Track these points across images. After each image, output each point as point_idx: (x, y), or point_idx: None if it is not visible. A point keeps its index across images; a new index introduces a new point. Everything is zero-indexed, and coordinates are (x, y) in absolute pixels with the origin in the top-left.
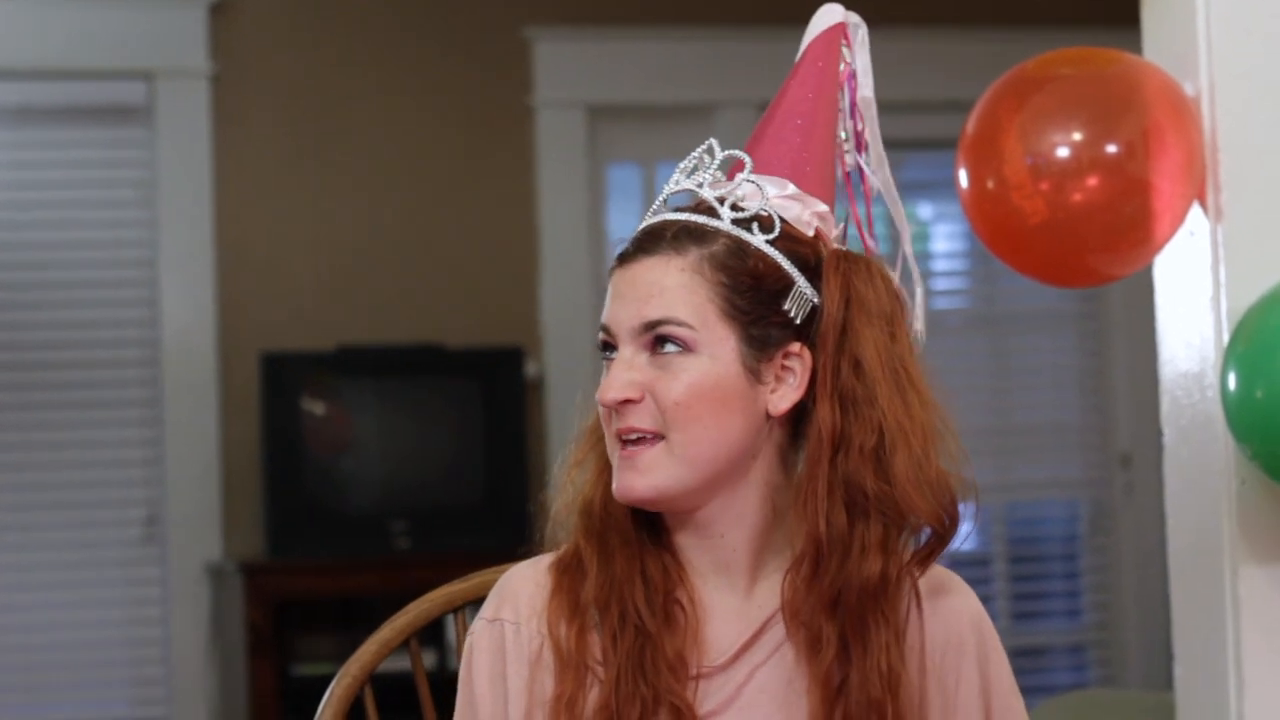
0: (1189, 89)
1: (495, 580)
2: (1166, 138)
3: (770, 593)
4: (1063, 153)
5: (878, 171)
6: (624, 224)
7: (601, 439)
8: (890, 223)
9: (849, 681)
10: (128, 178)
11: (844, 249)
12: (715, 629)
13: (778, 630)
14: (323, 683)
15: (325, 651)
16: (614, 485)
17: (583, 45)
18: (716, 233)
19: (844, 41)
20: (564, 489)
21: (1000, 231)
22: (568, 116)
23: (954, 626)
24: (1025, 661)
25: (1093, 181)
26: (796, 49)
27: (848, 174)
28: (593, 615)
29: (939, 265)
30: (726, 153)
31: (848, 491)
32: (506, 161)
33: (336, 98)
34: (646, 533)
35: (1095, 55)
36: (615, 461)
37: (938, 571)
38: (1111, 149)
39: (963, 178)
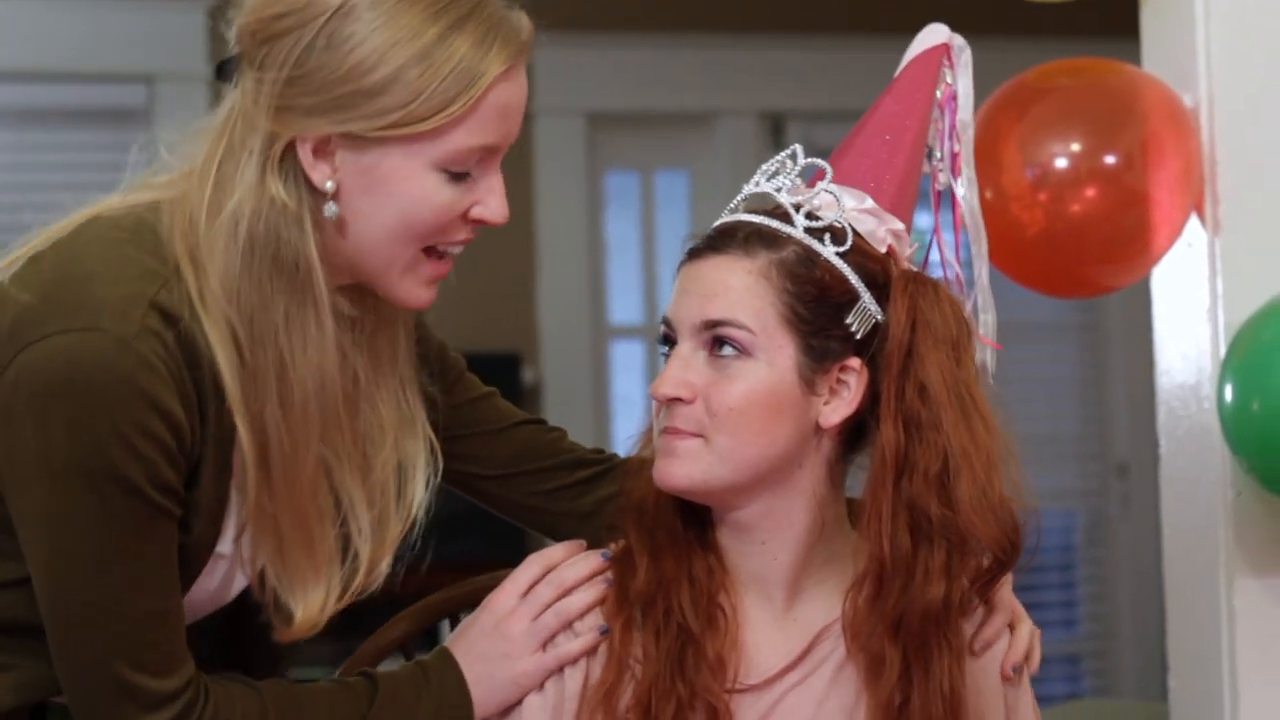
0: (1188, 100)
1: (490, 586)
2: (1165, 149)
3: (810, 612)
4: (1061, 163)
5: (968, 196)
6: (622, 231)
7: None
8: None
9: (910, 704)
10: (128, 180)
11: (913, 270)
12: (753, 642)
13: (817, 653)
14: None
15: (321, 655)
16: (654, 470)
17: (582, 52)
18: (788, 239)
19: (946, 62)
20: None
21: (999, 242)
22: (566, 123)
23: (987, 658)
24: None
25: (1091, 192)
26: (799, 57)
27: (939, 193)
28: (637, 613)
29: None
30: (808, 160)
31: (911, 515)
32: (504, 167)
33: None
34: (695, 534)
35: (1094, 66)
36: (658, 446)
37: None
38: (1110, 160)
39: None
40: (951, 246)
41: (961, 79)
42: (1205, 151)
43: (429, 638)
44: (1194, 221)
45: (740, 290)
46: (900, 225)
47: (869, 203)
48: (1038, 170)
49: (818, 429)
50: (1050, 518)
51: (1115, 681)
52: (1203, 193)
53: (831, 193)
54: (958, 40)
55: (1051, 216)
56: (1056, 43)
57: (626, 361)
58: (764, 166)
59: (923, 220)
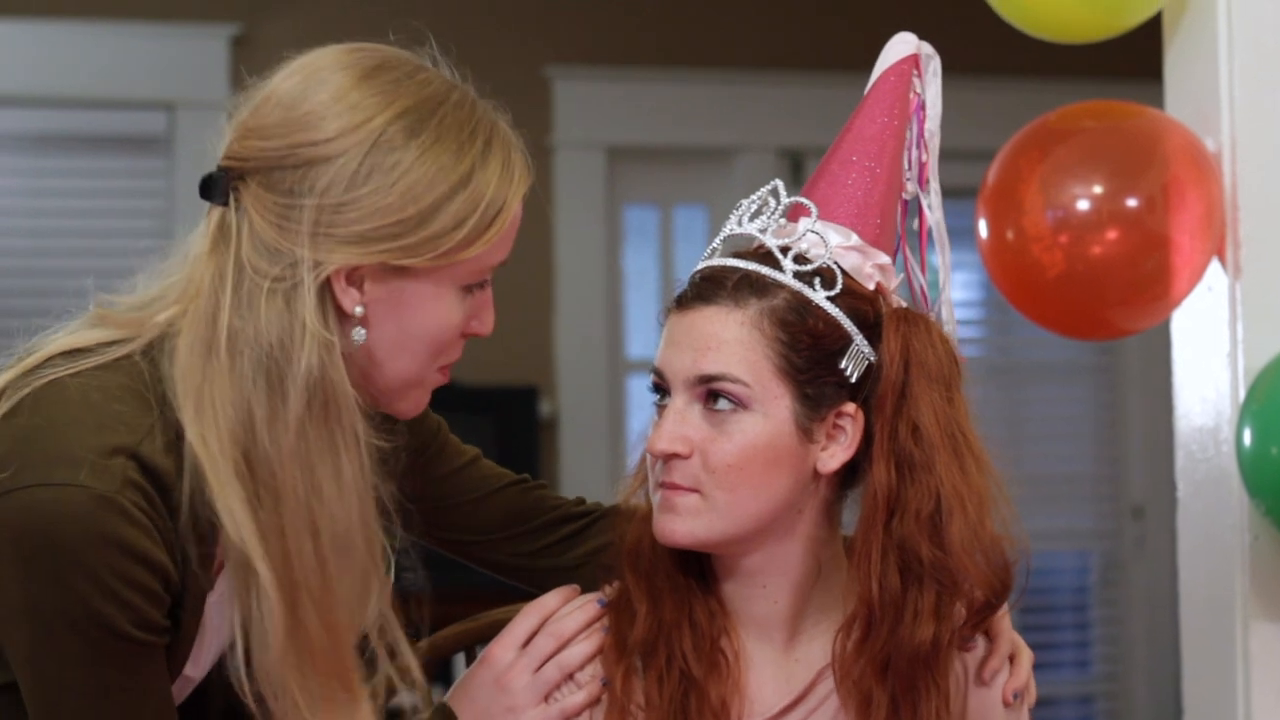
0: (1210, 145)
1: (507, 620)
2: (1186, 193)
3: (810, 651)
4: (1083, 206)
5: (934, 208)
6: (641, 266)
7: None
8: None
9: None
10: (147, 207)
11: (904, 307)
12: (755, 683)
13: (818, 692)
14: None
15: None
16: (654, 524)
17: (602, 86)
18: (778, 286)
19: (915, 72)
20: (616, 527)
21: (1019, 283)
22: (586, 157)
23: (984, 694)
24: (1034, 712)
25: (1112, 235)
26: (818, 94)
27: (905, 203)
28: (637, 660)
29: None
30: (792, 199)
31: (902, 556)
32: (523, 200)
33: None
34: (694, 578)
35: (1117, 109)
36: (655, 500)
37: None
38: (1132, 203)
39: (982, 228)
40: (916, 258)
41: (930, 87)
42: (1227, 195)
43: (443, 669)
44: (1215, 265)
45: (733, 343)
46: (886, 259)
47: (854, 239)
48: (1059, 212)
49: (816, 475)
50: (1064, 558)
51: None
52: (1224, 237)
53: (817, 232)
54: (926, 48)
55: (1072, 259)
56: (1079, 84)
57: (643, 395)
58: (743, 204)
59: None
